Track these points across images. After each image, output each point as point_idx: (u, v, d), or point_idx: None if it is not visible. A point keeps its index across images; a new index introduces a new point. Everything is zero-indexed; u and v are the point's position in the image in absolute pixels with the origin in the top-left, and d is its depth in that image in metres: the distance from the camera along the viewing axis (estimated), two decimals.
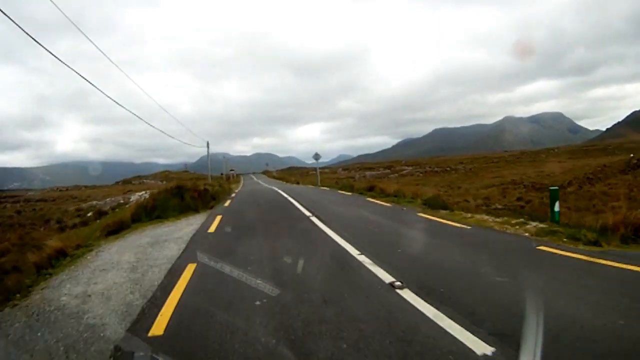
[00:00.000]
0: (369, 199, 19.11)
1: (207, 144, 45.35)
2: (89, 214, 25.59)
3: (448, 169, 69.10)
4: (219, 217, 14.18)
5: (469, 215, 11.83)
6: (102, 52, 16.36)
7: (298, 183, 48.99)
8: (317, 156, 35.08)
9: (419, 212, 12.89)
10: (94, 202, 36.01)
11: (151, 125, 25.32)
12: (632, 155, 57.40)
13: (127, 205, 23.39)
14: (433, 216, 11.92)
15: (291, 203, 18.33)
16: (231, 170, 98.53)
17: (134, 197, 28.69)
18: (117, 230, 13.35)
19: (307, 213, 14.08)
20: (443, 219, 11.34)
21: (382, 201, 17.55)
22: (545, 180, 41.46)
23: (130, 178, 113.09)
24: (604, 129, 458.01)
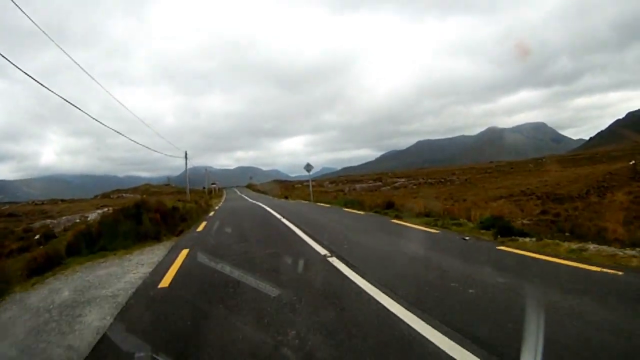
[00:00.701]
0: (395, 220, 14.29)
1: (185, 154, 41.02)
2: (36, 237, 21.23)
3: (442, 180, 65.52)
4: (183, 253, 9.70)
5: (575, 246, 7.62)
6: (81, 67, 14.70)
7: (287, 198, 44.77)
8: (308, 167, 30.94)
9: (499, 246, 8.25)
10: (48, 221, 31.15)
11: (130, 139, 23.73)
12: (633, 162, 55.09)
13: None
14: (528, 251, 7.54)
15: (288, 227, 13.65)
16: (213, 184, 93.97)
17: (93, 215, 24.70)
18: (42, 267, 9.37)
19: (319, 248, 9.03)
20: (546, 254, 7.15)
21: (418, 224, 12.76)
22: (558, 190, 38.25)
23: (109, 192, 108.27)
24: (587, 138, 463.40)
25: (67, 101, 13.21)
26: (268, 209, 24.20)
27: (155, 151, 36.44)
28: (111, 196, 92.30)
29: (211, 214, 24.91)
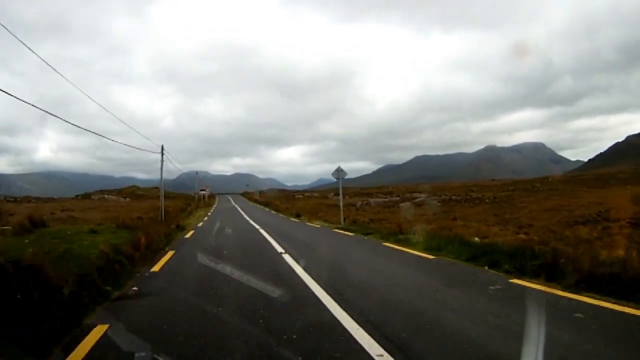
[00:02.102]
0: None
1: (162, 150, 32.17)
2: None
3: (468, 197, 57.58)
4: None
5: None
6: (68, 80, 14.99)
7: (299, 216, 33.36)
8: (339, 173, 22.25)
9: None
10: None
11: (103, 136, 21.02)
12: None
13: None
14: None
15: None
16: (202, 190, 79.72)
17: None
18: None
19: None
20: None
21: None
22: (623, 212, 30.81)
23: (91, 192, 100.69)
24: (585, 160, 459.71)
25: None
26: (277, 245, 14.08)
27: (130, 146, 27.97)
28: (92, 197, 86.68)
29: (164, 258, 14.93)
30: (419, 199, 58.37)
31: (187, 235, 18.76)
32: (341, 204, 25.47)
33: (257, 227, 22.16)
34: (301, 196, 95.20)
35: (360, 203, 59.06)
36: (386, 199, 63.15)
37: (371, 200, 63.72)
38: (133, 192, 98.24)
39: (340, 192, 25.99)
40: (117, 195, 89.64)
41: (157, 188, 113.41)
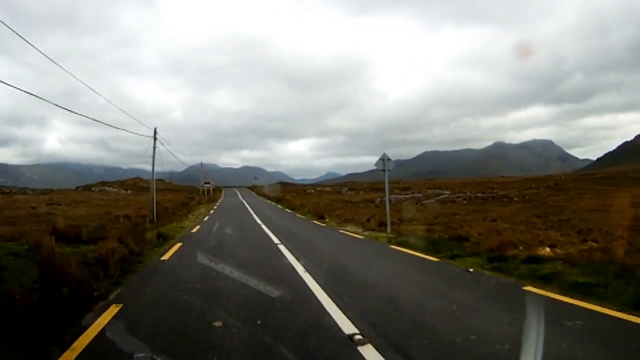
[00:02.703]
0: None
1: (154, 132, 27.90)
2: None
3: (494, 195, 53.50)
4: None
5: None
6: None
7: (324, 218, 26.37)
8: (386, 163, 17.24)
9: None
10: None
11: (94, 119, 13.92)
12: None
13: None
14: None
15: None
16: (206, 184, 72.94)
17: None
18: None
19: None
20: None
21: None
22: None
23: (92, 184, 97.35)
24: (593, 159, 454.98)
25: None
26: (310, 279, 8.15)
27: (122, 129, 24.34)
28: (93, 189, 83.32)
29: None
30: (442, 196, 54.87)
31: (166, 257, 11.46)
32: (387, 206, 19.36)
33: (275, 238, 15.76)
34: (312, 191, 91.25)
35: (379, 199, 53.56)
36: (407, 196, 58.35)
37: (392, 196, 58.14)
38: (136, 184, 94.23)
39: (387, 189, 19.03)
40: (118, 187, 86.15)
41: (162, 180, 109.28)
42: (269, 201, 56.39)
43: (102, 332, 5.03)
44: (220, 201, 58.28)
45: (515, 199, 50.85)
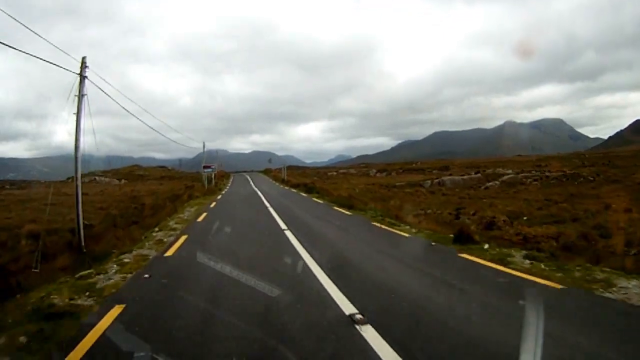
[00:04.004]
0: None
1: (82, 62, 14.48)
2: None
3: (565, 175, 45.82)
4: None
5: None
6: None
7: (398, 219, 16.92)
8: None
9: None
10: None
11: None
12: None
13: None
14: None
15: None
16: (205, 168, 53.06)
17: None
18: None
19: None
20: None
21: None
22: None
23: (85, 173, 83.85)
24: (605, 137, 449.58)
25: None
26: None
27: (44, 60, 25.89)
28: (83, 179, 73.03)
29: None
30: (506, 177, 47.02)
31: None
32: None
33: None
34: (334, 173, 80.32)
35: (428, 182, 48.01)
36: (464, 177, 50.18)
37: (445, 179, 49.54)
38: (132, 173, 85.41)
39: None
40: (111, 177, 75.20)
41: (164, 167, 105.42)
42: (294, 190, 40.51)
43: None
44: (225, 191, 44.21)
45: (591, 178, 43.35)
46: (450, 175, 54.86)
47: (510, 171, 51.65)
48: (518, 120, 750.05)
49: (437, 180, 49.38)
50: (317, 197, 29.99)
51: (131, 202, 27.64)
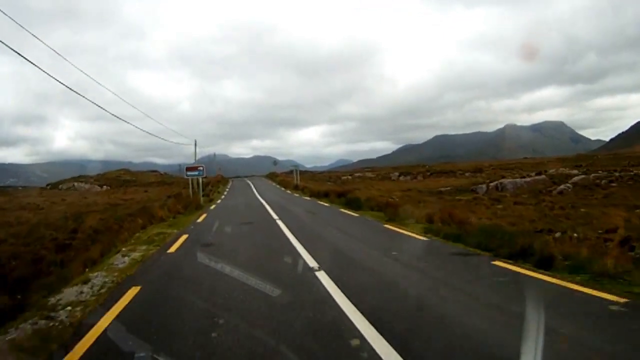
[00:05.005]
0: None
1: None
2: None
3: (616, 179, 39.15)
4: None
5: None
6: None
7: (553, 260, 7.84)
8: None
9: None
10: None
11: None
12: None
13: None
14: None
15: None
16: (189, 172, 35.93)
17: None
18: None
19: None
20: None
21: None
22: None
23: (66, 179, 77.66)
24: (606, 139, 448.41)
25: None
26: None
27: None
28: (60, 187, 68.17)
29: None
30: (577, 178, 41.19)
31: None
32: None
33: None
34: (349, 177, 70.05)
35: (484, 187, 41.85)
36: (528, 180, 43.00)
37: (506, 181, 42.59)
38: (118, 178, 77.81)
39: None
40: (94, 182, 70.33)
41: (155, 172, 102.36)
42: (324, 203, 27.32)
43: None
44: (214, 206, 28.88)
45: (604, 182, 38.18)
46: (503, 177, 47.01)
47: (576, 171, 44.84)
48: (519, 124, 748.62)
49: (493, 183, 42.34)
50: (389, 222, 16.10)
51: (73, 220, 18.93)
